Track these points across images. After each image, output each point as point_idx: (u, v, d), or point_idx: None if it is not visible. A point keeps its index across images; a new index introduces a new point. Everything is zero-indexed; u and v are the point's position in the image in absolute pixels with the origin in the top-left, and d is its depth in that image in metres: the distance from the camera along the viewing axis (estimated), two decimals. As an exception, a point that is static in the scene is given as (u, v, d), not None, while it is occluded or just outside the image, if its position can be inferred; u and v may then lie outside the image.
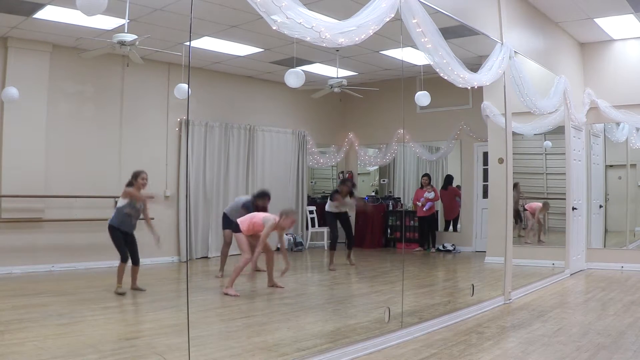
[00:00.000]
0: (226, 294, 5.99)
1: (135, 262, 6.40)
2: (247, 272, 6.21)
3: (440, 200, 10.79)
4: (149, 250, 8.71)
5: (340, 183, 9.13)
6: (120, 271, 6.22)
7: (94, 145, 8.40)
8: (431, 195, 10.48)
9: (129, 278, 6.37)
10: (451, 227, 10.98)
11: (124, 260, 6.25)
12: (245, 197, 7.64)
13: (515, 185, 8.47)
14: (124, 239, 6.28)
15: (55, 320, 4.80)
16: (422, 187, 10.72)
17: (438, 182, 11.15)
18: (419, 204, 10.54)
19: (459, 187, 10.81)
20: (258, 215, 6.28)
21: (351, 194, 8.54)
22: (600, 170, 9.33)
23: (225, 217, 7.32)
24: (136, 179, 6.39)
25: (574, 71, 8.61)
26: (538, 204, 8.93)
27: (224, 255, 7.42)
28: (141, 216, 6.51)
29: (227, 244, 7.36)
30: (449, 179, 10.97)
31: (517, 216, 8.62)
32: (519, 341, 4.45)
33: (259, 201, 7.09)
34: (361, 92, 9.09)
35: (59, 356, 3.73)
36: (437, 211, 10.72)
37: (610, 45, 8.83)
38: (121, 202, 6.32)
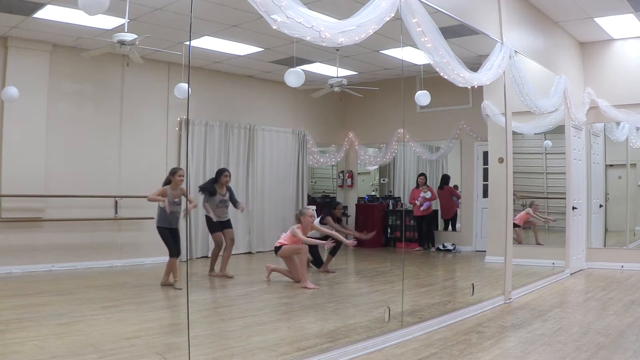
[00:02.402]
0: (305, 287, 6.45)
1: (177, 254, 6.59)
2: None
3: (437, 200, 10.79)
4: (149, 250, 8.76)
5: (333, 208, 8.31)
6: (170, 266, 6.48)
7: (94, 145, 8.40)
8: (428, 194, 10.49)
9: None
10: (449, 227, 10.97)
11: (175, 255, 6.50)
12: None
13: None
14: (170, 235, 6.53)
15: (55, 319, 4.79)
16: (418, 186, 10.73)
17: (438, 182, 11.15)
18: (417, 203, 10.54)
19: (455, 186, 10.81)
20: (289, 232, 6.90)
21: (339, 220, 8.24)
22: (600, 170, 9.33)
23: (207, 219, 7.38)
24: (173, 176, 6.60)
25: (574, 70, 8.61)
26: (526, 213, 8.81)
27: (216, 257, 7.46)
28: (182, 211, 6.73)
29: (218, 246, 7.42)
30: (445, 179, 10.97)
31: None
32: (519, 341, 4.45)
33: (221, 178, 7.37)
34: (361, 92, 9.08)
35: (59, 356, 3.73)
36: (434, 210, 10.72)
37: (611, 45, 8.83)
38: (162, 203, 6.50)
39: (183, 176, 6.73)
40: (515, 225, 8.54)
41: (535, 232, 8.89)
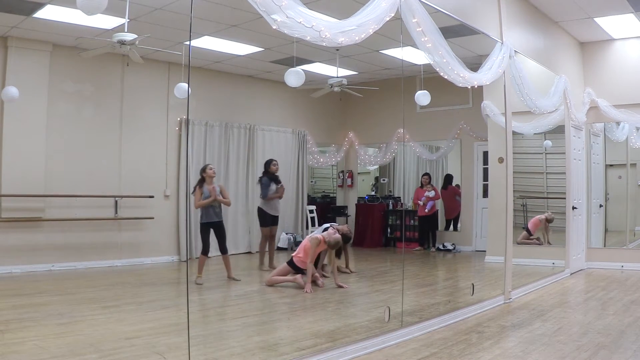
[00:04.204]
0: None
1: (224, 251, 6.94)
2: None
3: (441, 200, 10.79)
4: (149, 250, 8.78)
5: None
6: (201, 263, 6.79)
7: (94, 144, 8.40)
8: (432, 194, 10.48)
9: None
10: (451, 227, 10.97)
11: (204, 253, 6.80)
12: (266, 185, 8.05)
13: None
14: (214, 231, 6.85)
15: (55, 319, 4.79)
16: (422, 186, 10.72)
17: (438, 182, 11.15)
18: (421, 203, 10.53)
19: (458, 186, 10.81)
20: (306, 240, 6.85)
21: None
22: (600, 170, 9.33)
23: (261, 211, 7.98)
24: (205, 172, 6.87)
25: (574, 70, 8.61)
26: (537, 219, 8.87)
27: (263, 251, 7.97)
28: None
29: (265, 239, 7.95)
30: (448, 179, 10.96)
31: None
32: (519, 340, 4.45)
33: (271, 167, 7.98)
34: (361, 92, 9.09)
35: (59, 355, 3.73)
36: (437, 210, 10.72)
37: (611, 45, 8.83)
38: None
39: (214, 169, 7.02)
40: (528, 232, 8.62)
41: (546, 232, 8.89)
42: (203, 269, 6.79)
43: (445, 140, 10.86)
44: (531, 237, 8.70)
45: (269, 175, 8.01)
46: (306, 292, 6.19)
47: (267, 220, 7.95)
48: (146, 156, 8.92)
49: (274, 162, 8.08)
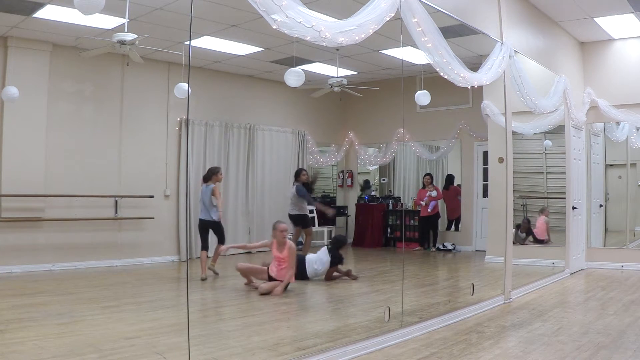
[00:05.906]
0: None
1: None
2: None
3: (442, 200, 10.78)
4: (149, 250, 8.77)
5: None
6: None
7: (94, 144, 8.40)
8: (434, 193, 10.47)
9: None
10: (453, 227, 10.96)
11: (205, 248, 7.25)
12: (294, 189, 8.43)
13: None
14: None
15: (55, 319, 4.79)
16: (424, 186, 10.71)
17: (438, 182, 11.15)
18: (423, 203, 10.52)
19: (459, 186, 10.81)
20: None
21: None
22: (600, 170, 9.33)
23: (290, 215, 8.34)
24: (216, 175, 7.28)
25: (574, 70, 8.61)
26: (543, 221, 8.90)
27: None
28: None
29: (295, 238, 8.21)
30: (450, 179, 10.96)
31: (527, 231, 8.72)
32: (519, 340, 4.45)
33: (301, 177, 8.43)
34: (361, 92, 9.09)
35: (59, 355, 3.73)
36: (439, 210, 10.71)
37: (611, 45, 8.83)
38: (214, 200, 7.16)
39: (222, 175, 7.47)
40: (538, 240, 8.63)
41: (547, 231, 8.90)
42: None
43: (445, 140, 10.86)
44: (539, 239, 8.73)
45: (301, 183, 8.40)
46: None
47: (291, 221, 8.26)
48: (146, 156, 8.92)
49: (304, 172, 8.57)
